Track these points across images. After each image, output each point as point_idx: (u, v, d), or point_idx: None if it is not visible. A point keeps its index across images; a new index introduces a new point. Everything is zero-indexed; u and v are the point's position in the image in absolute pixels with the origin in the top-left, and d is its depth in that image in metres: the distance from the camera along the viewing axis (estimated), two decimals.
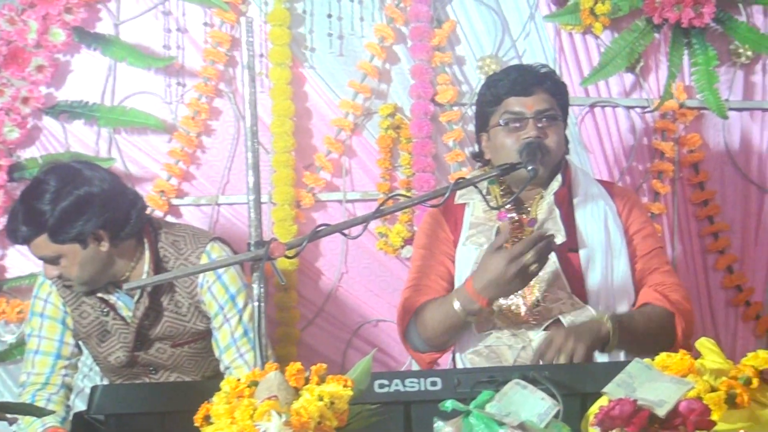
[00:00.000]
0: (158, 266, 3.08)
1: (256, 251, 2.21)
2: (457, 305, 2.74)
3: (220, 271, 3.08)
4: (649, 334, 2.76)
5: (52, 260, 2.97)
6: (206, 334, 3.16)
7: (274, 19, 3.84)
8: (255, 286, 2.20)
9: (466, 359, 2.93)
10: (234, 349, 3.07)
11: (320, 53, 3.95)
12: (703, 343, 1.91)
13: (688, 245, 4.06)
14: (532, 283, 2.79)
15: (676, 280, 2.99)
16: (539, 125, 2.90)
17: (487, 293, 2.66)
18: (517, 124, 2.91)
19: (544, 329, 2.82)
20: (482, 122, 3.06)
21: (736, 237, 4.09)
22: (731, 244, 4.07)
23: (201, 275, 3.08)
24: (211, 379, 3.22)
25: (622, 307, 2.90)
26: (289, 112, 3.83)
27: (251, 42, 2.26)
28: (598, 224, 2.96)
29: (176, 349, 3.18)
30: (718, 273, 4.09)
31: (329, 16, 3.92)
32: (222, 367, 3.11)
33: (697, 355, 1.90)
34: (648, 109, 4.02)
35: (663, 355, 1.85)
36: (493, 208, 2.93)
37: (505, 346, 2.83)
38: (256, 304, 2.19)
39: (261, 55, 3.87)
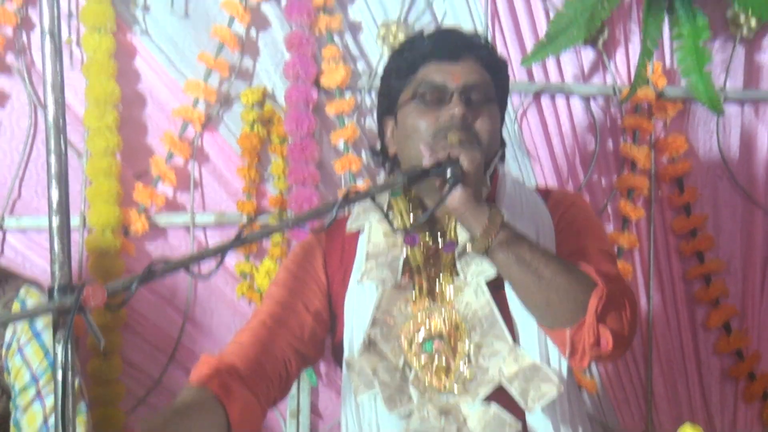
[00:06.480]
0: None
1: (62, 299, 2.14)
2: None
3: (39, 326, 2.99)
4: (547, 265, 2.59)
5: None
6: (1, 421, 3.05)
7: None
8: (59, 350, 2.13)
9: None
10: None
11: (157, 13, 3.91)
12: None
13: (669, 293, 4.13)
14: (457, 331, 2.74)
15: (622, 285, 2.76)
16: (468, 103, 2.76)
17: None
18: (437, 98, 2.78)
19: (484, 400, 2.71)
20: (389, 102, 2.93)
21: (735, 281, 4.17)
22: (729, 292, 4.14)
23: (9, 331, 2.99)
24: None
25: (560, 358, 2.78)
26: (111, 97, 3.76)
27: None
28: None
29: None
30: (710, 332, 4.17)
31: None
32: None
33: None
34: (615, 100, 4.08)
35: None
36: (397, 231, 2.81)
37: (434, 431, 2.70)
38: (60, 376, 2.13)
39: (70, 15, 3.82)
